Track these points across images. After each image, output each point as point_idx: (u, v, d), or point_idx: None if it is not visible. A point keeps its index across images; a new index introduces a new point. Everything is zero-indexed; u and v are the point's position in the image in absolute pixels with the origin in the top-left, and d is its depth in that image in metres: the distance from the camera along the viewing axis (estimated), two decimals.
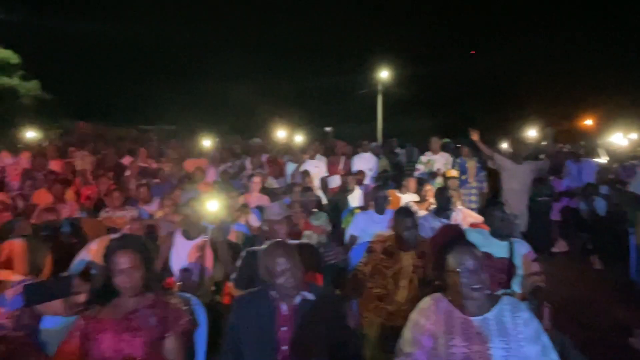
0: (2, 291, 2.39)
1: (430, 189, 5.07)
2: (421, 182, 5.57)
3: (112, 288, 2.33)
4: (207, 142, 8.91)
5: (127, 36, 23.82)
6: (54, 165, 7.51)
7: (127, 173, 7.13)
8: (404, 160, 7.20)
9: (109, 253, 2.31)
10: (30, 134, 9.28)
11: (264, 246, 3.33)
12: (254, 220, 5.18)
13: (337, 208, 5.52)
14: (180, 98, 23.71)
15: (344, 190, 5.81)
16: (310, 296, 2.43)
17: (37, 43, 20.28)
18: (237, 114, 22.91)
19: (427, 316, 2.37)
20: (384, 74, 21.81)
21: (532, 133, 8.11)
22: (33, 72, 18.10)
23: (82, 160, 7.76)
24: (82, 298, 2.27)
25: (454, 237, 2.54)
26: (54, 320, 2.49)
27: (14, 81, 17.04)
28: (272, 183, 6.83)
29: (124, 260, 2.26)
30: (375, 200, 4.39)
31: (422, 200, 5.09)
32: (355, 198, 5.81)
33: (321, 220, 4.51)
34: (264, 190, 6.34)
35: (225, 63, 24.03)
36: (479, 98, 24.60)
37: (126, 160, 7.65)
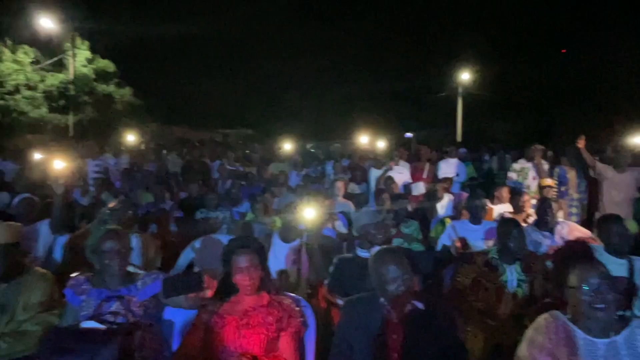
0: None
1: (528, 200, 4.81)
2: (515, 192, 5.29)
3: (229, 285, 2.45)
4: (287, 146, 9.14)
5: (209, 44, 25.14)
6: (150, 166, 8.08)
7: (216, 175, 7.49)
8: (494, 167, 6.88)
9: (229, 252, 2.43)
10: (129, 137, 10.05)
11: (361, 254, 3.36)
12: (341, 226, 5.21)
13: (424, 216, 5.40)
14: (258, 102, 24.56)
15: (432, 197, 5.68)
16: (420, 305, 2.39)
17: (128, 52, 21.98)
18: (315, 119, 23.27)
19: (545, 334, 2.24)
20: (465, 76, 20.97)
21: (637, 139, 7.42)
22: (125, 79, 19.67)
23: (173, 163, 8.28)
24: (209, 293, 2.40)
25: (580, 252, 2.38)
26: (176, 312, 2.66)
27: (110, 88, 18.58)
28: (355, 189, 6.84)
29: (243, 259, 2.37)
30: (471, 210, 4.24)
31: (518, 211, 4.84)
32: (442, 206, 5.66)
33: (412, 229, 4.44)
34: (347, 195, 6.37)
35: (304, 68, 24.54)
36: (570, 100, 22.59)
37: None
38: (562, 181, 5.90)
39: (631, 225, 4.50)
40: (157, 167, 8.02)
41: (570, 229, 4.03)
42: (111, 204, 3.78)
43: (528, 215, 4.81)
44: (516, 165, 6.52)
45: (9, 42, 15.71)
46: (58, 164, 3.71)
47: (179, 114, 23.51)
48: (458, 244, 3.76)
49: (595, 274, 2.15)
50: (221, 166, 7.36)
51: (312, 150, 8.99)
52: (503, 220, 3.31)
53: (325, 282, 3.48)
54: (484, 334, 3.14)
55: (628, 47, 21.39)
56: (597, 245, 3.32)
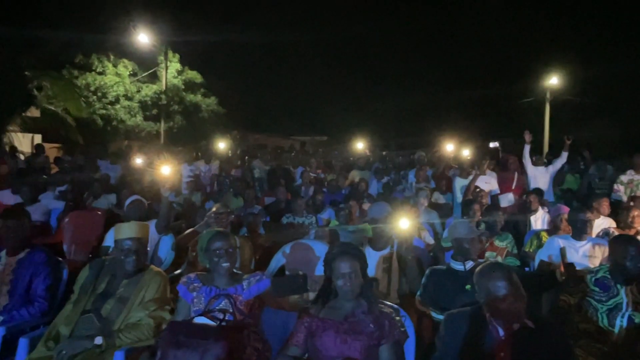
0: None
1: (638, 215, 4.40)
2: (619, 205, 4.87)
3: (330, 290, 2.50)
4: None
5: (285, 53, 25.89)
6: (236, 172, 8.47)
7: (299, 182, 7.67)
8: (594, 178, 6.38)
9: (331, 258, 2.48)
10: (219, 145, 10.60)
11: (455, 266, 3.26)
12: (428, 237, 5.11)
13: (516, 230, 5.14)
14: (332, 109, 24.82)
15: (525, 210, 5.38)
16: (530, 323, 2.27)
17: (213, 63, 23.26)
18: (396, 126, 23.07)
19: None
20: (553, 80, 19.68)
21: None
22: (210, 89, 20.80)
23: (258, 169, 8.60)
24: (312, 296, 2.46)
25: None
26: (276, 313, 2.76)
27: (197, 97, 19.76)
28: (439, 198, 6.67)
29: (346, 265, 2.40)
30: (574, 224, 3.95)
31: (626, 226, 4.45)
32: (537, 219, 5.34)
33: (506, 242, 4.24)
34: (431, 205, 6.23)
35: (384, 75, 24.48)
36: None
37: None
38: None
39: None
40: (243, 172, 8.38)
41: None
42: (214, 208, 4.01)
43: (638, 232, 4.40)
44: (624, 177, 5.97)
45: (112, 57, 17.29)
46: (166, 170, 4.00)
47: (256, 122, 24.42)
48: (562, 269, 3.51)
49: None
50: (304, 173, 7.53)
51: (400, 158, 8.90)
52: (619, 237, 3.05)
53: (417, 293, 3.42)
54: (595, 358, 2.91)
55: None
56: None
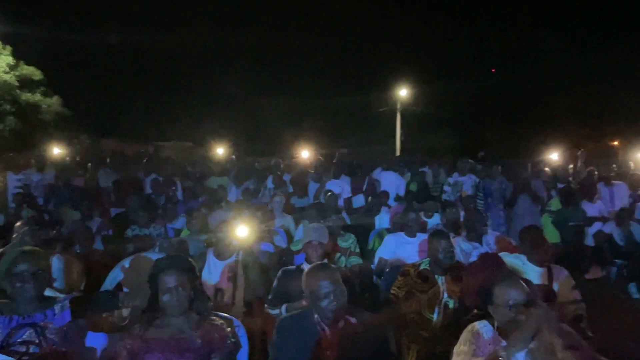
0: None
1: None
2: (448, 205, 5.50)
3: (156, 307, 2.33)
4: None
5: (142, 54, 24.27)
6: (78, 181, 7.59)
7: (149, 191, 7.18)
8: (429, 181, 7.14)
9: (156, 272, 2.32)
10: (54, 150, 9.43)
11: (305, 267, 3.34)
12: (280, 241, 5.17)
13: (363, 230, 5.48)
14: (196, 115, 23.94)
15: (370, 211, 5.78)
16: (353, 320, 2.40)
17: (58, 59, 20.75)
18: (253, 132, 23.05)
19: (471, 345, 2.33)
20: (403, 92, 21.70)
21: (553, 156, 8.04)
22: (53, 88, 18.50)
23: (105, 177, 7.84)
24: (126, 312, 2.27)
25: (497, 269, 2.51)
26: (99, 337, 2.48)
27: (36, 97, 17.40)
28: (296, 202, 6.82)
29: (171, 280, 2.27)
30: (407, 223, 4.36)
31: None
32: (381, 219, 5.77)
33: (349, 242, 4.48)
34: (288, 209, 6.34)
35: (242, 80, 24.30)
36: (499, 117, 24.29)
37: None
38: (488, 193, 6.24)
39: (550, 235, 4.83)
40: (85, 182, 7.56)
41: (496, 239, 4.25)
42: (18, 223, 3.48)
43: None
44: (450, 180, 6.82)
45: None
46: None
47: (109, 126, 22.39)
48: None
49: (518, 290, 2.26)
50: (154, 181, 7.07)
51: (255, 164, 8.88)
52: (432, 233, 3.42)
53: (269, 297, 3.42)
54: (417, 345, 3.21)
55: (553, 68, 23.40)
56: (520, 255, 3.53)
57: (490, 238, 4.22)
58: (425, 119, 23.38)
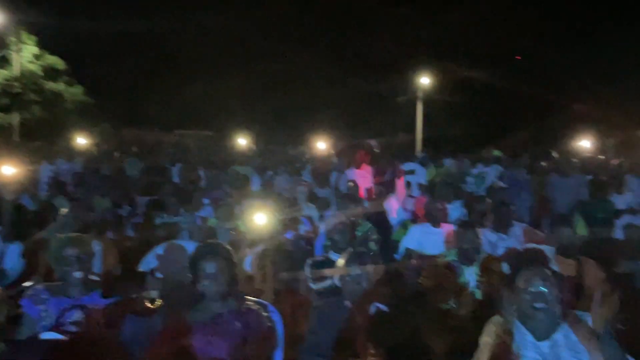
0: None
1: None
2: (472, 196, 5.50)
3: (194, 292, 2.42)
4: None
5: (161, 42, 24.39)
6: (105, 170, 7.78)
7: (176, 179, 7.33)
8: (453, 171, 7.11)
9: (196, 258, 2.40)
10: (79, 139, 9.67)
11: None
12: (305, 229, 5.25)
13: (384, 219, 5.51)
14: (216, 104, 24.05)
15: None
16: (383, 308, 2.46)
17: (79, 48, 21.01)
18: (274, 123, 23.06)
19: (493, 336, 2.36)
20: (424, 80, 21.14)
21: (584, 144, 7.88)
22: (76, 77, 18.79)
23: (131, 166, 8.00)
24: (154, 294, 2.37)
25: (526, 256, 2.53)
26: (138, 320, 2.59)
27: (60, 86, 17.75)
28: (318, 192, 6.88)
29: (211, 266, 2.35)
30: (431, 213, 4.38)
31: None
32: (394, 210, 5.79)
33: (365, 229, 4.50)
34: (311, 199, 6.42)
35: (262, 69, 24.23)
36: (524, 106, 23.64)
37: None
38: (512, 184, 6.18)
39: (579, 228, 4.79)
40: (113, 170, 7.74)
41: (524, 231, 4.24)
42: (63, 210, 3.63)
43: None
44: (474, 170, 6.77)
45: None
46: (7, 169, 3.53)
47: (132, 115, 22.67)
48: None
49: (540, 277, 2.27)
50: (182, 169, 7.20)
51: (281, 153, 8.97)
52: (460, 224, 3.45)
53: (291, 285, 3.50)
54: (444, 335, 3.25)
55: (582, 56, 22.63)
56: (547, 247, 3.53)
57: (518, 229, 4.22)
58: (447, 109, 22.93)
